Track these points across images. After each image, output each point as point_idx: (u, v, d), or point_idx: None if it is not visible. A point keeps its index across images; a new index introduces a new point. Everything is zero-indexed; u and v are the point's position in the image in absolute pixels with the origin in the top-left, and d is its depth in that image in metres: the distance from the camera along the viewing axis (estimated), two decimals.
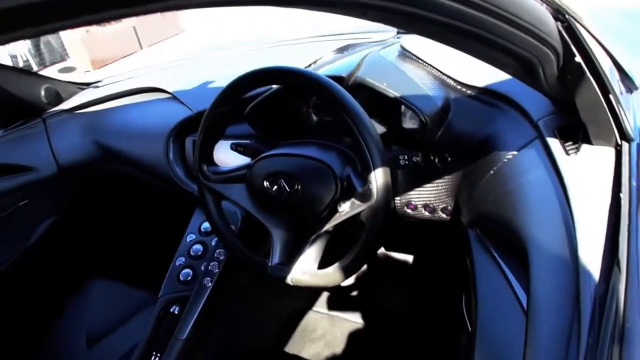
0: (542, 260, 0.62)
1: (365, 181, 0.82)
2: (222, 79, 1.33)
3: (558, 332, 0.55)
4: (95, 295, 1.50)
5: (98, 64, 7.20)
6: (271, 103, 1.04)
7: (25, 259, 1.46)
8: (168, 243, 1.33)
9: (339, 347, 1.57)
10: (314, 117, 1.08)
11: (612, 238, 0.59)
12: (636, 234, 0.58)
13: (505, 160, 0.81)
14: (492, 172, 0.82)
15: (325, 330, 1.61)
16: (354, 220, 0.86)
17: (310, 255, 0.93)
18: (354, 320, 1.62)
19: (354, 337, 1.59)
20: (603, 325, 0.51)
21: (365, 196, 0.82)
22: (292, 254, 0.95)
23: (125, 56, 7.58)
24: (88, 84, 1.73)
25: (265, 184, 0.92)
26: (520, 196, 0.72)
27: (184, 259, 1.25)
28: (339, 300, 1.67)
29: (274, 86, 1.04)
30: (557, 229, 0.64)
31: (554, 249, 0.62)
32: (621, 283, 0.53)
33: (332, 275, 0.89)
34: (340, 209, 0.87)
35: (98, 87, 1.69)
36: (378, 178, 0.79)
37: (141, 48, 7.87)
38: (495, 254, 0.73)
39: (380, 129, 1.01)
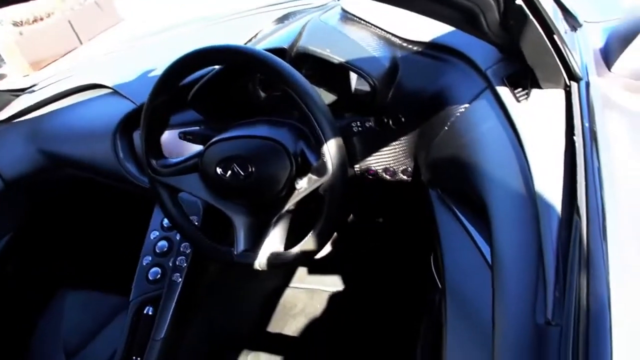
0: (502, 214, 0.62)
1: (319, 155, 0.79)
2: (162, 65, 1.27)
3: (524, 284, 0.55)
4: (67, 307, 1.45)
5: (37, 66, 6.82)
6: (214, 85, 0.99)
7: None
8: (133, 243, 1.29)
9: (320, 319, 1.58)
10: (262, 94, 1.03)
11: (570, 184, 0.59)
12: (593, 176, 0.57)
13: (458, 114, 0.79)
14: (446, 127, 0.80)
15: (305, 304, 1.60)
16: (314, 195, 0.83)
17: (275, 237, 0.91)
18: (330, 290, 1.62)
19: (333, 307, 1.59)
20: (568, 276, 0.51)
21: (321, 170, 0.80)
22: (256, 238, 0.92)
23: (65, 54, 7.23)
24: (23, 90, 1.63)
25: (219, 170, 0.88)
26: (475, 150, 0.71)
27: (150, 258, 1.21)
28: (313, 272, 1.67)
29: (216, 67, 0.99)
30: (514, 180, 0.63)
31: (513, 201, 0.61)
32: (583, 230, 0.53)
33: (299, 254, 0.87)
34: (298, 186, 0.84)
35: (34, 91, 1.60)
36: (331, 150, 0.77)
37: (81, 43, 7.50)
38: (457, 211, 0.72)
39: (330, 97, 0.98)
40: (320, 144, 0.77)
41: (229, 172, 0.87)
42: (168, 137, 1.20)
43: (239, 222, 0.93)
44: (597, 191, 0.57)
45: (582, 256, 0.51)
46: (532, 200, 0.60)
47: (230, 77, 1.00)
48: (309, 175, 0.82)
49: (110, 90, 1.35)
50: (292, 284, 1.66)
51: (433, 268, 0.87)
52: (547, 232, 0.56)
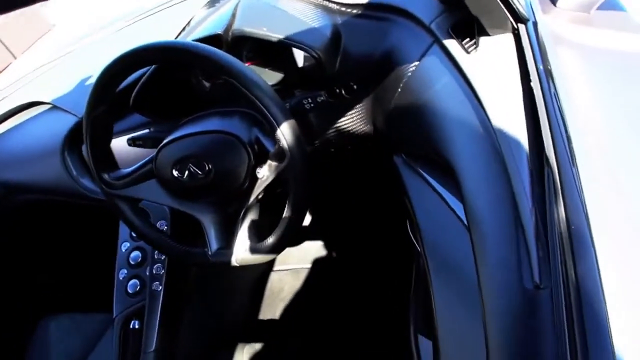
0: (469, 173, 0.60)
1: (275, 140, 0.76)
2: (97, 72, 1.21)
3: (505, 245, 0.53)
4: (53, 334, 1.40)
5: None
6: (153, 84, 0.94)
7: None
8: (106, 257, 1.25)
9: (309, 298, 1.58)
10: (206, 84, 0.99)
11: (534, 130, 0.57)
12: (556, 117, 0.55)
13: (409, 73, 0.76)
14: (399, 89, 0.78)
15: (291, 286, 1.59)
16: (278, 181, 0.80)
17: (247, 230, 0.88)
18: (315, 267, 1.62)
19: (320, 284, 1.59)
20: (549, 232, 0.49)
21: (279, 155, 0.77)
22: (228, 234, 0.89)
23: (1, 71, 6.85)
24: None
25: (175, 173, 0.84)
26: (432, 110, 0.68)
27: (126, 271, 1.17)
28: (295, 253, 1.65)
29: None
30: (477, 135, 0.61)
31: (479, 158, 0.60)
32: (556, 178, 0.51)
33: (275, 242, 0.84)
34: (259, 175, 0.81)
35: None
36: (285, 133, 0.73)
37: (15, 57, 7.09)
38: (425, 174, 0.70)
39: (276, 76, 0.93)
40: (274, 129, 0.74)
41: (186, 173, 0.83)
42: (117, 145, 1.15)
43: (207, 221, 0.90)
44: (562, 133, 0.55)
45: (558, 209, 0.49)
46: (498, 154, 0.58)
47: (168, 74, 0.95)
48: (269, 162, 0.79)
49: (49, 106, 1.28)
50: (275, 268, 1.65)
51: (410, 234, 0.85)
52: (519, 185, 0.54)
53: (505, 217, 0.54)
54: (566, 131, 0.55)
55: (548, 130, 0.56)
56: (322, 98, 0.88)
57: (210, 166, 0.81)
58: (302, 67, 0.90)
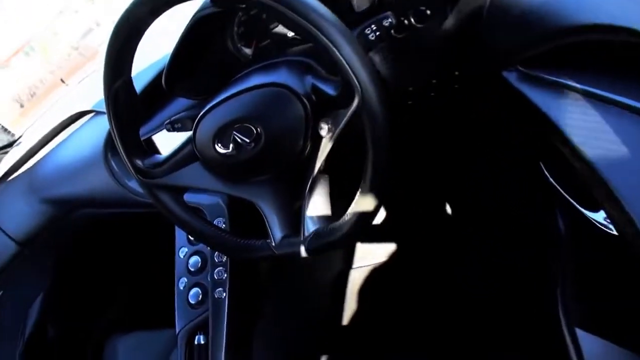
0: None
1: (337, 80, 0.59)
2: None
3: None
4: (121, 355, 1.32)
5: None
6: (185, 57, 0.80)
7: (31, 349, 1.28)
8: (166, 268, 1.13)
9: (389, 294, 1.38)
10: (246, 50, 0.84)
11: None
12: None
13: None
14: None
15: (379, 285, 1.39)
16: (349, 136, 0.62)
17: (316, 209, 0.71)
18: (405, 262, 1.40)
19: (416, 282, 1.37)
20: None
21: (346, 94, 0.58)
22: (292, 218, 0.73)
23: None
24: (10, 145, 1.51)
25: (218, 147, 0.68)
26: None
27: (185, 279, 1.04)
28: (378, 246, 1.45)
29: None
30: None
31: None
32: None
33: (355, 218, 0.65)
34: (322, 131, 0.64)
35: (21, 143, 1.47)
36: (351, 61, 0.55)
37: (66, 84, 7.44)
38: (565, 79, 0.48)
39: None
40: (336, 65, 0.56)
41: (232, 146, 0.68)
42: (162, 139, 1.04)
43: (265, 204, 0.74)
44: None
45: None
46: None
47: (199, 41, 0.80)
48: (332, 111, 0.62)
49: (93, 114, 1.20)
50: (356, 265, 1.44)
51: (551, 179, 0.64)
52: None
53: None
54: None
55: None
56: (388, 21, 0.69)
57: (258, 129, 0.65)
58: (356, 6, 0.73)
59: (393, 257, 1.40)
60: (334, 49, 0.55)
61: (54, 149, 1.30)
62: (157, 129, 1.03)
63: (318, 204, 0.71)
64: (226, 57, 0.86)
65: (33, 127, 1.54)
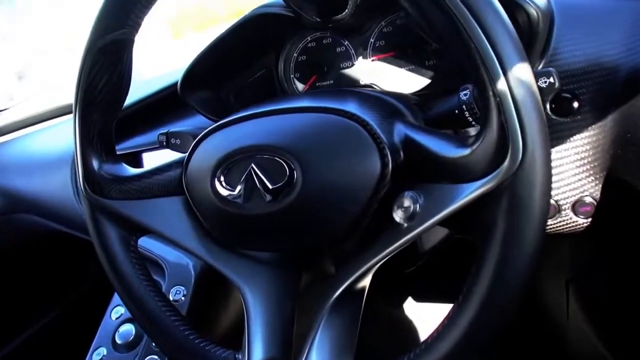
0: None
1: (462, 139, 0.35)
2: None
3: None
4: None
5: None
6: (219, 58, 0.59)
7: None
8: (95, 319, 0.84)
9: None
10: (298, 85, 0.63)
11: None
12: None
13: None
14: None
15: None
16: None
17: (339, 338, 0.43)
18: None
19: None
20: None
21: (477, 164, 0.34)
22: (289, 336, 0.45)
23: None
24: None
25: (219, 184, 0.42)
26: None
27: (104, 352, 0.74)
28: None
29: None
30: None
31: None
32: None
33: None
34: (397, 215, 0.38)
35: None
36: (524, 106, 0.32)
37: None
38: None
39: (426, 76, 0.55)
40: (485, 92, 0.32)
41: (240, 187, 0.42)
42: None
43: (257, 300, 0.45)
44: None
45: None
46: None
47: (245, 46, 0.59)
48: (431, 185, 0.37)
49: None
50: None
51: None
52: None
53: None
54: None
55: None
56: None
57: (294, 170, 0.39)
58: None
59: None
60: (482, 60, 0.31)
61: (26, 134, 1.11)
62: (152, 145, 0.79)
63: (342, 331, 0.43)
64: (267, 82, 0.64)
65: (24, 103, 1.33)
